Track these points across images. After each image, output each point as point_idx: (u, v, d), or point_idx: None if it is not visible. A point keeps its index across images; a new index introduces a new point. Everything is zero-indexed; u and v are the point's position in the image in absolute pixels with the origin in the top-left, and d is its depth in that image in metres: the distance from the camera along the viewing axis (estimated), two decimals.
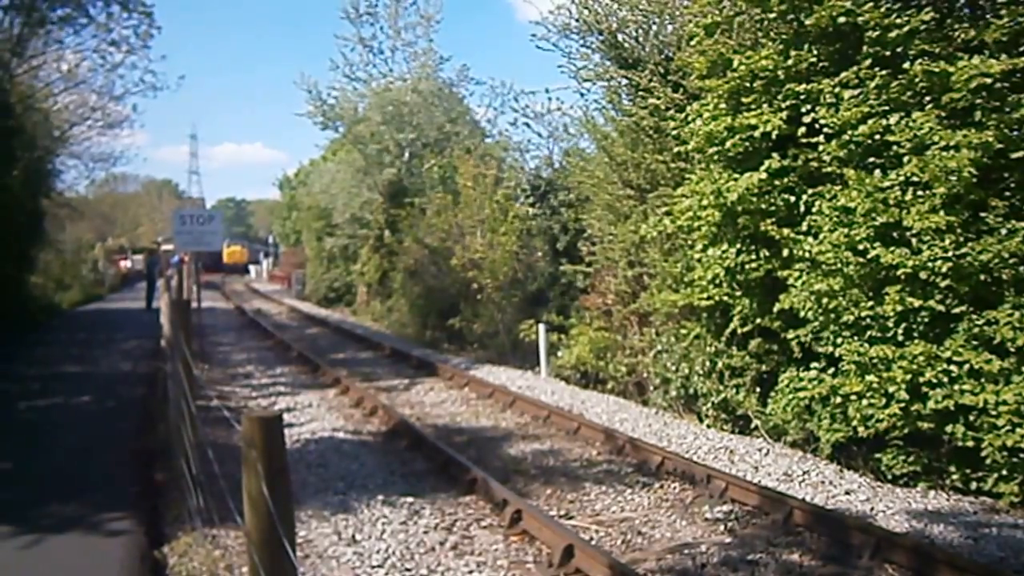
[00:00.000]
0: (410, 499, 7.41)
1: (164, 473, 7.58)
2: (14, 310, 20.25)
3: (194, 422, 6.10)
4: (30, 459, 8.21)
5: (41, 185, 24.41)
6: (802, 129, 9.10)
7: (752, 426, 10.05)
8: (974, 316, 7.76)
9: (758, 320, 9.84)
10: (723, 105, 9.91)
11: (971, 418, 7.59)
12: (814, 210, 8.88)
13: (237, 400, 12.39)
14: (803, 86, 9.09)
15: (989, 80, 7.78)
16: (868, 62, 8.60)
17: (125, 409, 10.76)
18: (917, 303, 7.83)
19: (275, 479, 2.58)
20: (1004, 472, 7.48)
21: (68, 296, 31.08)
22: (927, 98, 8.24)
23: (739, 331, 10.13)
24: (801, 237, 8.93)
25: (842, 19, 8.73)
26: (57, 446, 8.76)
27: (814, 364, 8.96)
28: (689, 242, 10.87)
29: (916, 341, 7.87)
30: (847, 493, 7.66)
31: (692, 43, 10.85)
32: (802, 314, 8.88)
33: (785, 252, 9.17)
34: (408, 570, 5.86)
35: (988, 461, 7.53)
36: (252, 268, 74.81)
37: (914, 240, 7.92)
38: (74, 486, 7.25)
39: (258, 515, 2.61)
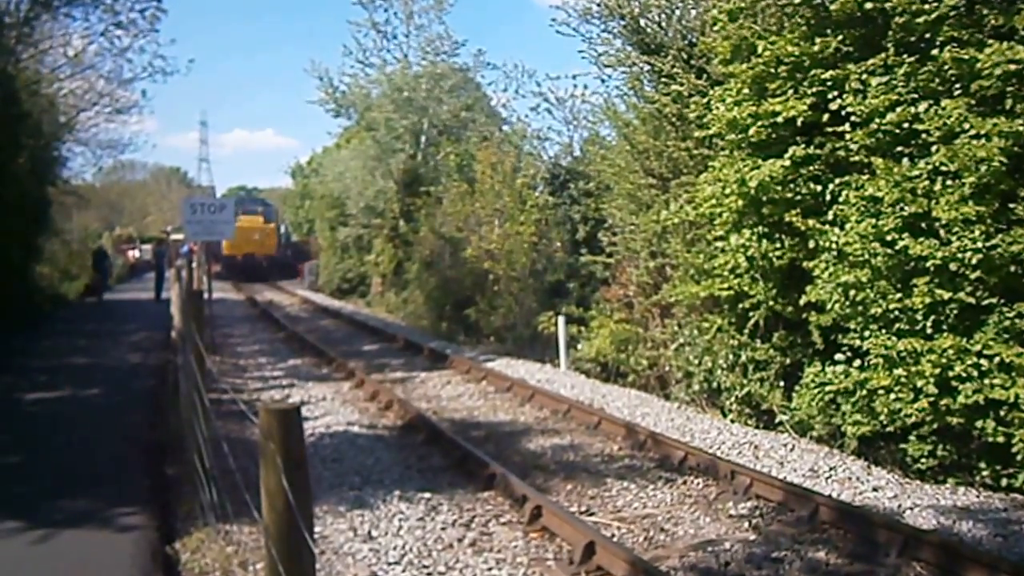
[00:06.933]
0: (427, 495, 7.28)
1: (176, 467, 7.49)
2: (20, 301, 20.13)
3: (207, 415, 6.00)
4: (39, 453, 8.11)
5: (47, 173, 24.11)
6: (828, 116, 8.94)
7: (777, 421, 9.89)
8: (1004, 308, 7.62)
9: (778, 308, 9.69)
10: (747, 91, 9.77)
11: (1002, 413, 7.45)
12: (840, 200, 8.71)
13: (250, 393, 12.30)
14: (829, 72, 8.95)
15: (1019, 67, 7.59)
16: (895, 48, 8.43)
17: (135, 402, 10.67)
18: (946, 295, 7.69)
19: (293, 472, 2.55)
20: None
21: (75, 286, 30.85)
22: (956, 85, 8.09)
23: (761, 323, 9.98)
24: (827, 227, 8.77)
25: (869, 4, 8.60)
26: (66, 440, 8.65)
27: (839, 357, 8.78)
28: (711, 230, 10.70)
29: (945, 334, 7.73)
30: (874, 490, 7.51)
31: (716, 28, 10.70)
32: (828, 306, 8.72)
33: (811, 243, 9.00)
34: (426, 567, 5.74)
35: (1019, 457, 7.41)
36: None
37: (943, 231, 7.78)
38: (84, 480, 7.15)
39: (276, 509, 2.59)
